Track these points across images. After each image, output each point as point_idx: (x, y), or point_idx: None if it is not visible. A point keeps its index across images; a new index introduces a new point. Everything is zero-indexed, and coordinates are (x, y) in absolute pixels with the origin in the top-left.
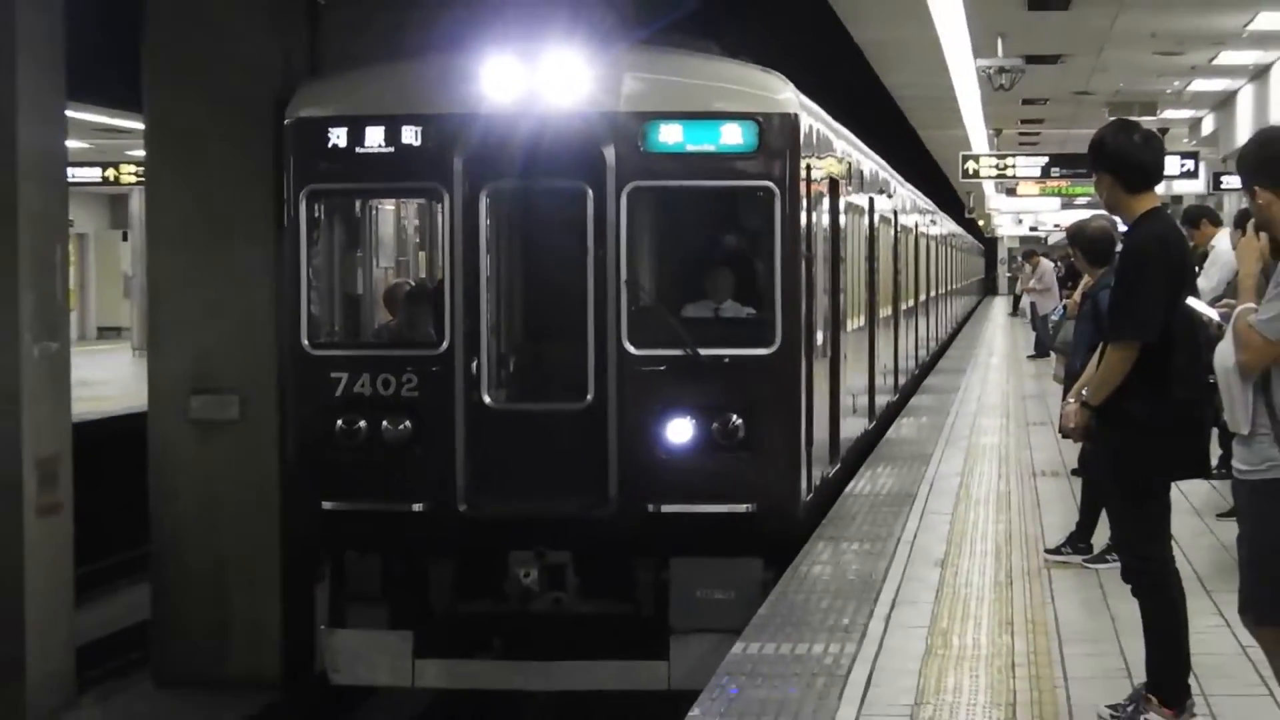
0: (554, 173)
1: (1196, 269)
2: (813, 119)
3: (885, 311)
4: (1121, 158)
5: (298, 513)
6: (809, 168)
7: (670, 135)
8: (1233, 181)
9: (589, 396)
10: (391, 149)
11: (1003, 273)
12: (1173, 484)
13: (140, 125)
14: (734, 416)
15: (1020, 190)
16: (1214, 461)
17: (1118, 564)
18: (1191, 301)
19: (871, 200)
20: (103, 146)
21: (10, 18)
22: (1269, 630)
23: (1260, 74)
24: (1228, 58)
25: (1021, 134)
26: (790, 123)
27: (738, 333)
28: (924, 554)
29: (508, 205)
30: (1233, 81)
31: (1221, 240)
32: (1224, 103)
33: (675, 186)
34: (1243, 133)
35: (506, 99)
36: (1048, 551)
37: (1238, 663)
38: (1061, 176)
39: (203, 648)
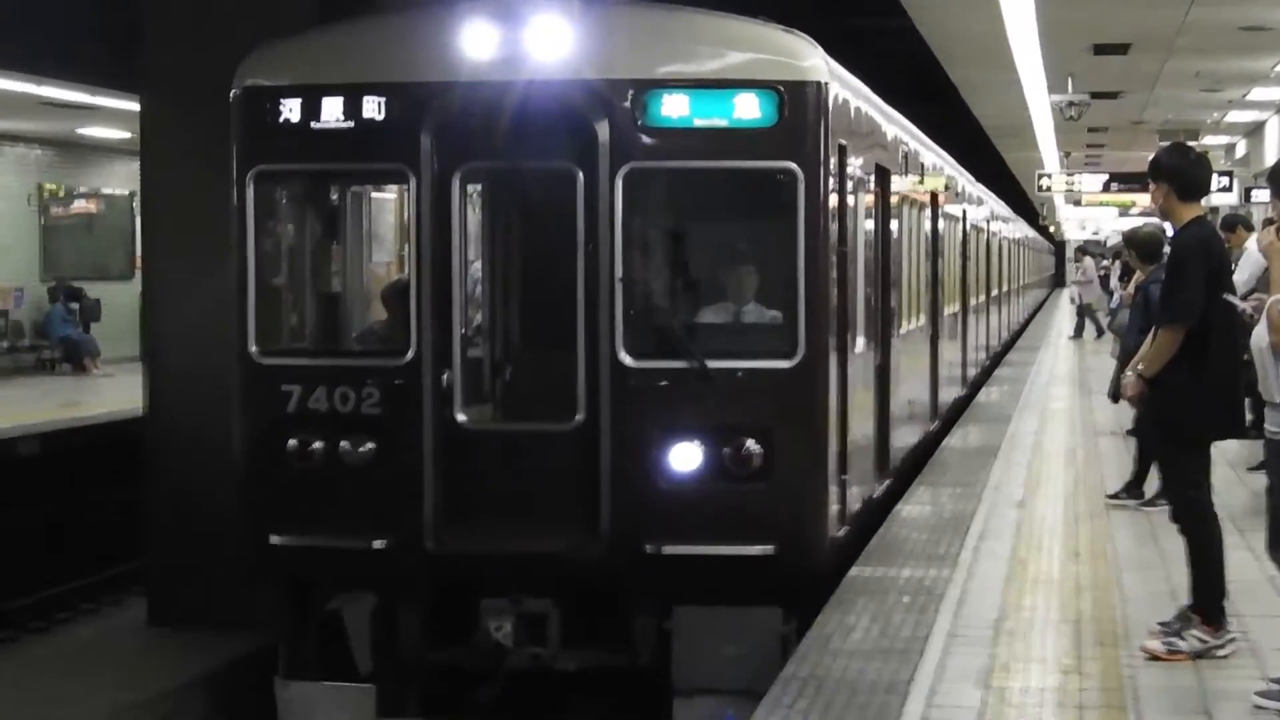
0: (538, 152)
1: (1233, 266)
2: (848, 92)
3: (952, 308)
4: (1176, 172)
5: (244, 544)
6: (842, 148)
7: (674, 107)
8: (1261, 195)
9: (579, 416)
10: (351, 123)
11: (1070, 268)
12: (1211, 443)
13: None
14: (749, 441)
15: (1085, 201)
16: (1247, 424)
17: (1166, 507)
18: (1228, 296)
19: (934, 194)
20: None
21: None
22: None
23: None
24: (1258, 94)
25: (1087, 156)
26: (817, 94)
27: (755, 342)
28: (1005, 497)
29: (485, 190)
30: (1261, 113)
31: (1252, 243)
32: (1254, 131)
33: (680, 168)
34: (1270, 155)
35: (483, 65)
36: (1108, 497)
37: (1265, 589)
38: (1119, 190)
39: (191, 591)
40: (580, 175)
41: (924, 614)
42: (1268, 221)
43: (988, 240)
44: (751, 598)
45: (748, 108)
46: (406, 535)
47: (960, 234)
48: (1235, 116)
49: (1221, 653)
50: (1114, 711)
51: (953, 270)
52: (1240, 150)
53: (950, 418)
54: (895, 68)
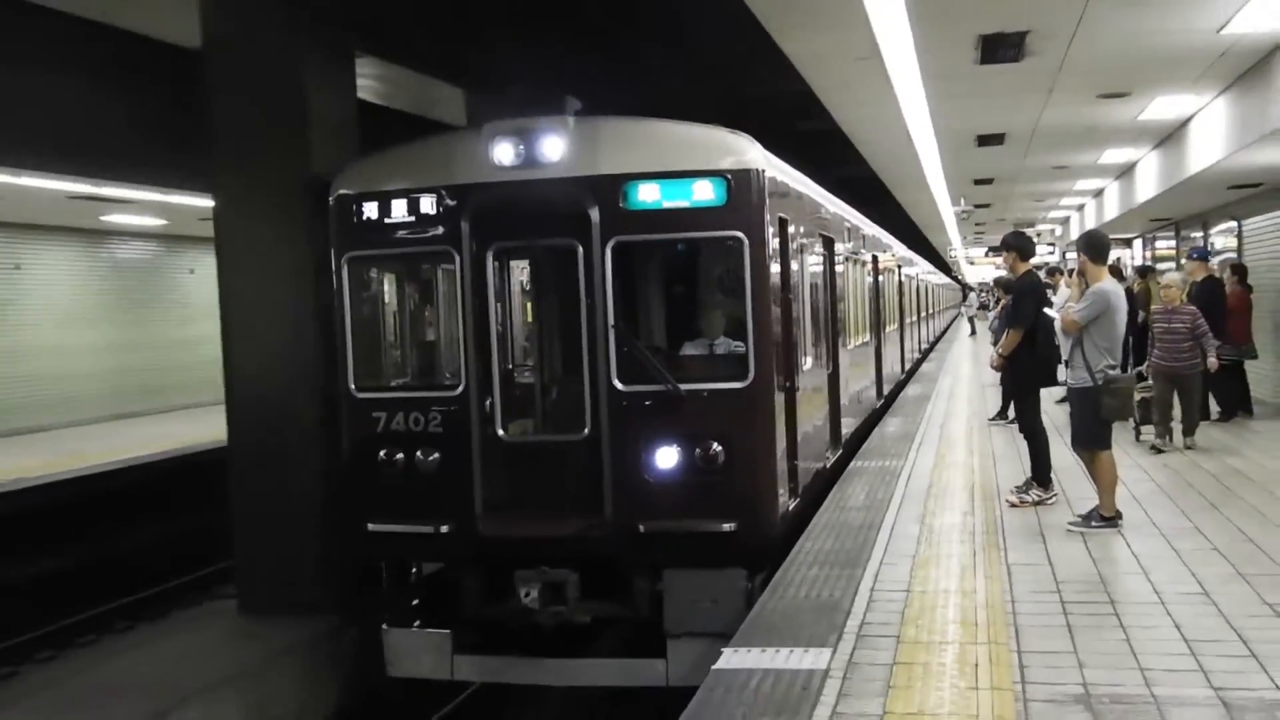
0: (549, 231)
1: (1051, 296)
2: (786, 177)
3: (891, 326)
4: (1017, 246)
5: (348, 531)
6: (781, 220)
7: (648, 194)
8: (1071, 255)
9: (586, 429)
10: (412, 217)
11: (972, 298)
12: (1040, 389)
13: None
14: (714, 444)
15: (975, 262)
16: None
17: (1016, 424)
18: (1046, 310)
19: (873, 256)
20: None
21: None
22: (1083, 452)
23: (1098, 193)
24: (1065, 200)
25: (975, 234)
26: (756, 177)
27: (717, 368)
28: (933, 423)
29: (511, 262)
30: (1068, 211)
31: (1063, 285)
32: (1065, 220)
33: (654, 240)
34: (1073, 233)
35: (505, 169)
36: (989, 420)
37: (1073, 467)
38: (991, 256)
39: (275, 582)
40: (580, 248)
41: (887, 486)
42: (1075, 270)
43: (914, 284)
44: (721, 562)
45: (704, 191)
46: (463, 522)
47: (892, 280)
48: (1054, 214)
49: (1050, 502)
50: (991, 536)
51: (889, 301)
52: (1059, 231)
53: (896, 390)
54: (860, 182)
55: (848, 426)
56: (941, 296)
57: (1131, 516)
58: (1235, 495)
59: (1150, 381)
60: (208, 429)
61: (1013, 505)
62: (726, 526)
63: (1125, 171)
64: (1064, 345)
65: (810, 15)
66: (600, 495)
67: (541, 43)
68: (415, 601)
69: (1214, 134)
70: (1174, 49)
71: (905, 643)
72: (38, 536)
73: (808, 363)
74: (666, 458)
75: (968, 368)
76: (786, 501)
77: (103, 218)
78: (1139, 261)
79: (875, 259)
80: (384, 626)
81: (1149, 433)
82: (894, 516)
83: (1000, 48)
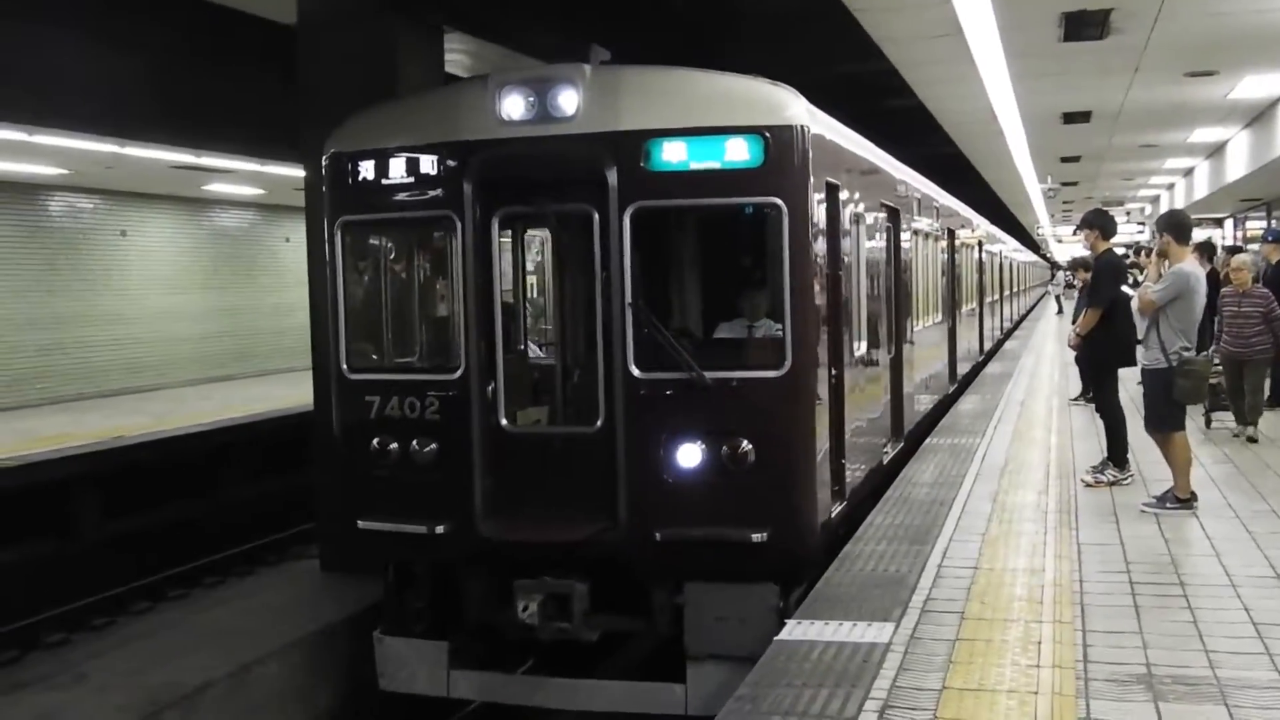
0: (562, 195)
1: (1131, 275)
2: (836, 136)
3: (933, 319)
4: (1098, 224)
5: (341, 526)
6: (830, 185)
7: (673, 153)
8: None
9: (599, 421)
10: (411, 179)
11: (1060, 276)
12: (1118, 368)
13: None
14: (744, 441)
15: (1064, 239)
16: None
17: (1094, 404)
18: (1124, 289)
19: (930, 223)
20: None
21: None
22: (1155, 434)
23: (1188, 172)
24: (1154, 179)
25: (1064, 211)
26: (799, 136)
27: (750, 355)
28: (1013, 401)
29: (519, 229)
30: (1158, 190)
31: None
32: (1154, 200)
33: (679, 205)
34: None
35: (514, 124)
36: (1070, 400)
37: (1149, 447)
38: (1077, 233)
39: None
40: (595, 215)
41: (961, 462)
42: (1156, 250)
43: (997, 261)
44: (750, 576)
45: (737, 150)
46: (462, 522)
47: (971, 257)
48: (1144, 192)
49: (1125, 483)
50: (1064, 515)
51: (967, 278)
52: (1149, 209)
53: (974, 372)
54: (943, 150)
55: (912, 416)
56: (1028, 274)
57: (1207, 498)
58: None
59: (1220, 366)
60: (298, 393)
61: (1088, 485)
62: (756, 536)
63: (1215, 151)
64: (1140, 325)
65: None
66: (614, 496)
67: (622, 25)
68: (421, 604)
69: None
70: (1262, 27)
71: (969, 619)
72: (154, 489)
73: (861, 347)
74: (689, 456)
75: (1052, 346)
76: (829, 506)
77: (204, 187)
78: (1229, 241)
79: (951, 234)
80: (376, 634)
81: (1219, 420)
82: (967, 493)
83: (1084, 25)
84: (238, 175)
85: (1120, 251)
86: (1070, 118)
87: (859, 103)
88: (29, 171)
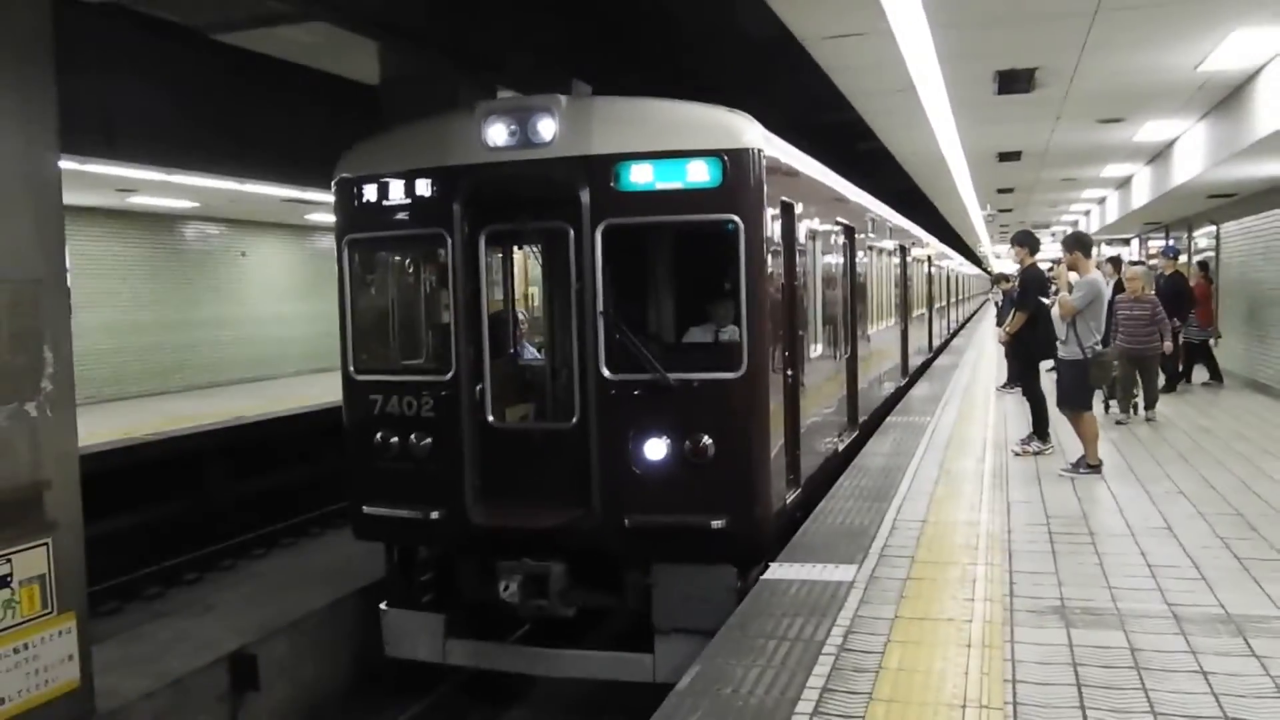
0: (542, 214)
1: (1052, 285)
2: (782, 156)
3: (886, 323)
4: (1025, 243)
5: (350, 510)
6: (783, 203)
7: (640, 174)
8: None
9: (575, 418)
10: (408, 200)
11: (1000, 286)
12: (1040, 361)
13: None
14: (704, 437)
15: (1002, 255)
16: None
17: (1020, 390)
18: (1041, 299)
19: (882, 239)
20: None
21: None
22: (1069, 413)
23: (1102, 200)
24: (1074, 207)
25: (1000, 232)
26: (754, 158)
27: (711, 358)
28: (958, 388)
29: (504, 245)
30: (1077, 216)
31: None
32: (1075, 223)
33: (645, 222)
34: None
35: (498, 149)
36: (998, 388)
37: (1063, 423)
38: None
39: None
40: (571, 231)
41: (916, 437)
42: (1065, 264)
43: (945, 274)
44: (711, 558)
45: (698, 172)
46: (454, 509)
47: (921, 269)
48: (1066, 217)
49: (1047, 453)
50: (998, 479)
51: (917, 288)
52: (1070, 230)
53: (924, 367)
54: (903, 185)
55: (866, 408)
56: (972, 284)
57: (1114, 465)
58: (1203, 450)
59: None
60: None
61: (1017, 454)
62: (716, 523)
63: (1123, 183)
64: (1060, 327)
65: (856, 58)
66: (588, 486)
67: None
68: (426, 577)
69: (1195, 152)
70: (1159, 83)
71: (919, 562)
72: (269, 458)
73: (817, 349)
74: (655, 449)
75: (991, 344)
76: (784, 494)
77: (306, 216)
78: (1135, 257)
79: (904, 250)
80: (382, 607)
81: (1116, 407)
82: (919, 461)
83: (1014, 81)
84: (330, 206)
85: (1045, 266)
86: (1004, 156)
87: (837, 145)
88: (168, 205)
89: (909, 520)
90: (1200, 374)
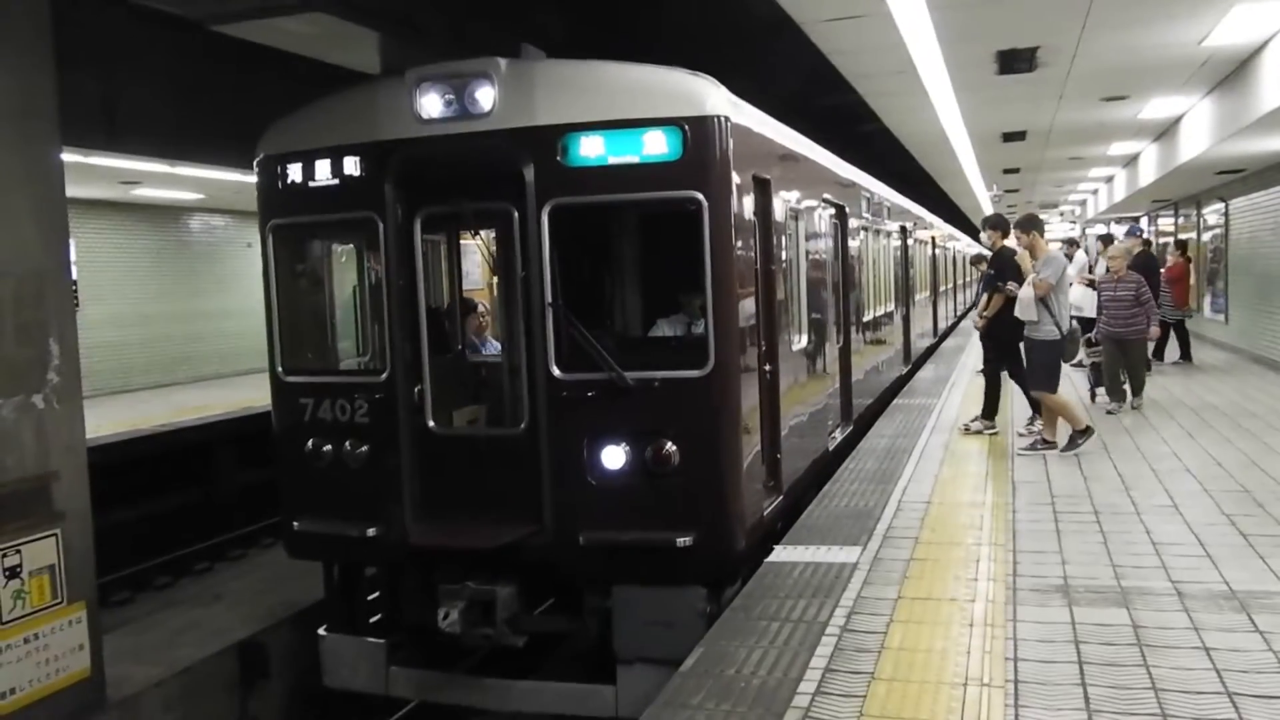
0: (482, 194)
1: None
2: (757, 125)
3: (885, 308)
4: (998, 225)
5: (282, 527)
6: (755, 179)
7: (590, 148)
8: (1090, 231)
9: (523, 423)
10: (335, 180)
11: (978, 268)
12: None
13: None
14: (668, 443)
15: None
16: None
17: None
18: (1014, 284)
19: (880, 220)
20: None
21: None
22: (1042, 394)
23: (1109, 179)
24: (1082, 186)
25: (1008, 213)
26: (719, 127)
27: (674, 354)
28: (965, 369)
29: (443, 229)
30: (1085, 195)
31: (1079, 255)
32: (1081, 203)
33: (597, 202)
34: (1093, 210)
35: (432, 122)
36: (978, 371)
37: (1022, 405)
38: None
39: None
40: (515, 213)
41: (923, 418)
42: (1022, 245)
43: (951, 255)
44: (678, 579)
45: (655, 144)
46: (392, 526)
47: (925, 251)
48: (1074, 196)
49: (991, 432)
50: (1004, 460)
51: (921, 270)
52: (1079, 210)
53: (929, 351)
54: (908, 166)
55: (862, 400)
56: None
57: (1120, 445)
58: (1210, 426)
59: (1100, 347)
60: None
61: (1021, 435)
62: (682, 540)
63: (1130, 161)
64: (1028, 308)
65: (855, 40)
66: (539, 499)
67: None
68: (371, 597)
69: (1201, 128)
70: (1163, 59)
71: (922, 543)
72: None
73: (801, 341)
74: (613, 458)
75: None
76: (761, 504)
77: None
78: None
79: (905, 230)
80: (320, 632)
81: (1103, 395)
82: (924, 443)
83: (1015, 60)
84: None
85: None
86: (1009, 137)
87: (840, 128)
88: (173, 196)
89: (914, 501)
90: (1173, 352)
